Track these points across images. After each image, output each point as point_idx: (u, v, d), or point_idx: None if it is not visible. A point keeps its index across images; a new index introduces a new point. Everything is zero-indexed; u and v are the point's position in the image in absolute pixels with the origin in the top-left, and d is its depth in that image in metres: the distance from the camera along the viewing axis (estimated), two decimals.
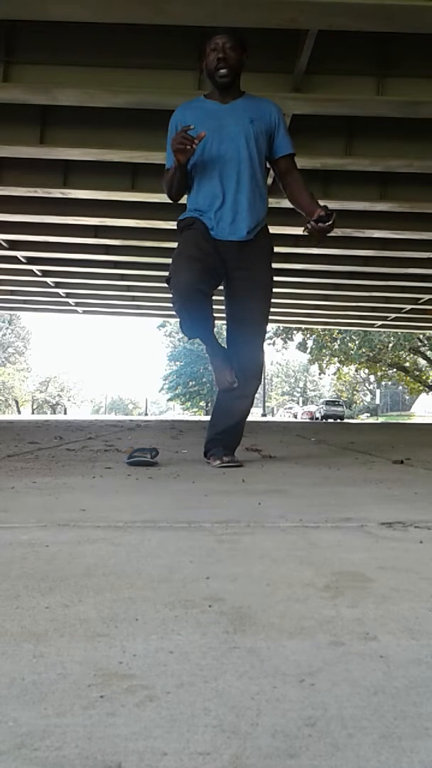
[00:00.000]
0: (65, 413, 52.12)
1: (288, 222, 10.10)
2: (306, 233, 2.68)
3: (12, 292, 18.61)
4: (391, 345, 31.09)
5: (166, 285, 2.74)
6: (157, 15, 5.39)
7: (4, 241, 13.04)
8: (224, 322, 2.94)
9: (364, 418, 43.65)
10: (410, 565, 1.02)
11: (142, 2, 5.19)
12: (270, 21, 5.40)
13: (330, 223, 2.62)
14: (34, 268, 15.04)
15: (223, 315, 2.94)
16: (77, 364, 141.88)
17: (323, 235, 2.65)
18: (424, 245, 11.86)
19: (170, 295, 2.71)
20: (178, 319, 2.79)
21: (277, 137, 2.84)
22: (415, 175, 8.64)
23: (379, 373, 36.20)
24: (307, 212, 2.72)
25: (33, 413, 48.45)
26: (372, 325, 22.24)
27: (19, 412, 51.22)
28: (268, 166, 2.91)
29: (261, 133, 2.80)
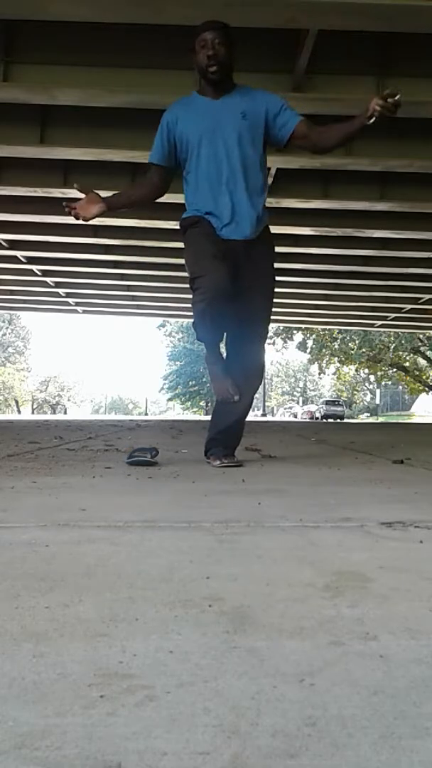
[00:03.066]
0: (65, 413, 52.12)
1: (288, 222, 10.13)
2: (375, 119, 2.52)
3: (12, 292, 18.59)
4: (393, 347, 31.07)
5: (188, 286, 2.70)
6: (157, 15, 5.39)
7: (4, 241, 13.03)
8: None
9: (364, 418, 43.64)
10: (410, 565, 1.02)
11: (142, 2, 5.19)
12: (270, 21, 5.39)
13: (397, 98, 2.48)
14: (34, 267, 15.03)
15: None
16: (77, 364, 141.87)
17: (393, 110, 2.50)
18: (424, 245, 11.84)
19: (191, 296, 2.66)
20: (192, 320, 2.72)
21: (280, 118, 2.74)
22: (415, 175, 8.63)
23: (379, 373, 36.19)
24: (357, 119, 2.61)
25: (33, 413, 48.45)
26: (372, 325, 22.23)
27: (19, 411, 51.19)
28: (269, 165, 2.88)
29: (255, 126, 2.74)
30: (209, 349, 2.79)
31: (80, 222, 2.85)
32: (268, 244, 2.89)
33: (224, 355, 2.91)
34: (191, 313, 3.03)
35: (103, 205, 2.83)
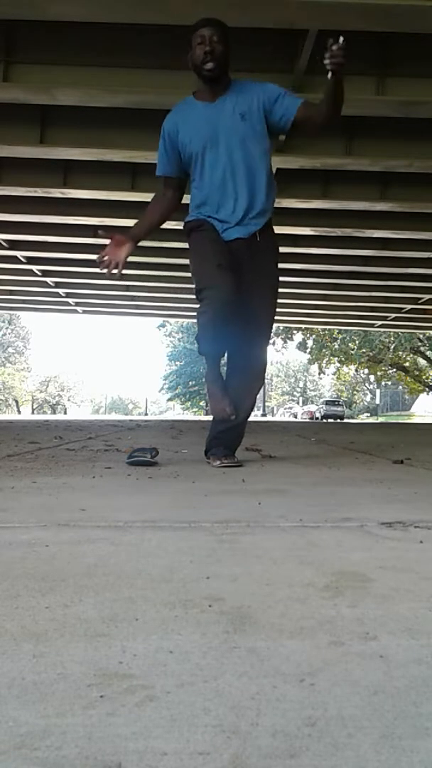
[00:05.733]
0: (65, 413, 52.13)
1: (288, 222, 10.13)
2: (332, 72, 2.44)
3: (12, 292, 18.60)
4: (393, 347, 31.08)
5: (195, 296, 2.66)
6: (158, 15, 5.39)
7: (4, 241, 13.03)
8: None
9: (364, 418, 43.63)
10: (410, 565, 1.02)
11: (143, 2, 5.19)
12: (270, 21, 5.40)
13: (340, 43, 2.35)
14: (34, 268, 15.03)
15: None
16: (77, 364, 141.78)
17: (338, 53, 2.37)
18: (424, 245, 11.85)
19: (197, 306, 2.63)
20: (196, 332, 2.69)
21: (278, 109, 2.68)
22: (415, 175, 8.63)
23: (379, 373, 36.20)
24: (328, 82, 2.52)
25: (33, 413, 48.44)
26: (372, 325, 22.25)
27: (19, 411, 51.19)
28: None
29: (256, 125, 2.70)
30: (210, 364, 2.75)
31: (115, 271, 2.86)
32: (271, 243, 2.88)
33: (226, 356, 2.90)
34: (191, 314, 3.03)
35: (130, 244, 2.88)
